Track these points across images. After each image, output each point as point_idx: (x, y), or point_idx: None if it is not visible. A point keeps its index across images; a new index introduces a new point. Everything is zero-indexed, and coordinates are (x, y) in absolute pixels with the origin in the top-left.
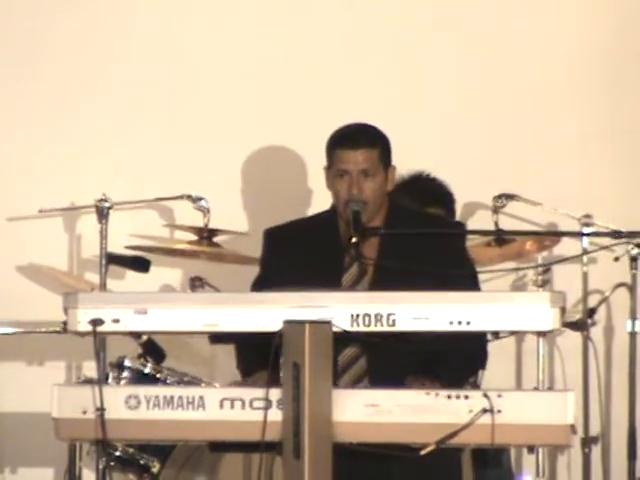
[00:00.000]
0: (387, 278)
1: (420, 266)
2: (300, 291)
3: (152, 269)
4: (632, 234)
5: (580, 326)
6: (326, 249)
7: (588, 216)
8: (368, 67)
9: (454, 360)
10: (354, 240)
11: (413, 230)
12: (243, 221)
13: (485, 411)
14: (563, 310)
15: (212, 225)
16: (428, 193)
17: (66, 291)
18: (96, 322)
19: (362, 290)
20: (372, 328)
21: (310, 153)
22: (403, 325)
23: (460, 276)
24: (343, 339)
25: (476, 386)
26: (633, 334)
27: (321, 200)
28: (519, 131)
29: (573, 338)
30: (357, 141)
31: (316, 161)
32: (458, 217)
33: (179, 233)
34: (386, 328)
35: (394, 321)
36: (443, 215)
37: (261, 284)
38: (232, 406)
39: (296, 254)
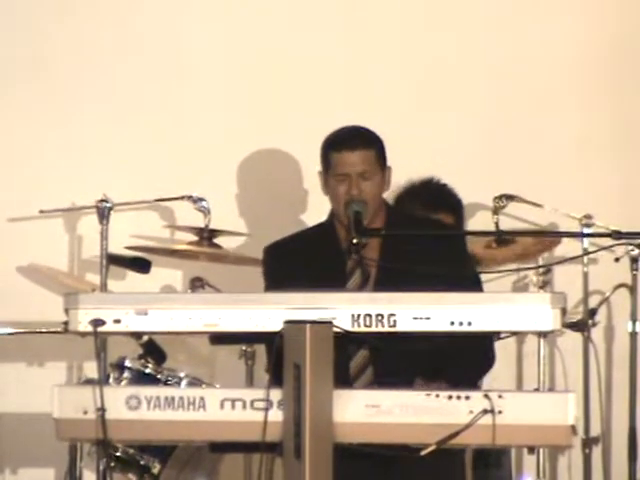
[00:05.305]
0: (390, 281)
1: (423, 267)
2: (301, 291)
3: (153, 270)
4: (632, 235)
5: (581, 327)
6: (327, 258)
7: (588, 217)
8: (365, 69)
9: (463, 362)
10: (355, 241)
11: (415, 231)
12: (243, 222)
13: (486, 412)
14: (564, 311)
15: (212, 226)
16: (440, 199)
17: (67, 292)
18: (97, 322)
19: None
20: (373, 329)
21: (308, 155)
22: (404, 326)
23: (463, 278)
24: (352, 345)
25: (477, 387)
26: (634, 335)
27: (318, 201)
28: (520, 132)
29: (574, 339)
30: (353, 143)
31: (314, 162)
32: None
33: (180, 234)
34: (387, 329)
35: (395, 322)
36: (453, 222)
37: None
38: (233, 407)
39: (298, 267)
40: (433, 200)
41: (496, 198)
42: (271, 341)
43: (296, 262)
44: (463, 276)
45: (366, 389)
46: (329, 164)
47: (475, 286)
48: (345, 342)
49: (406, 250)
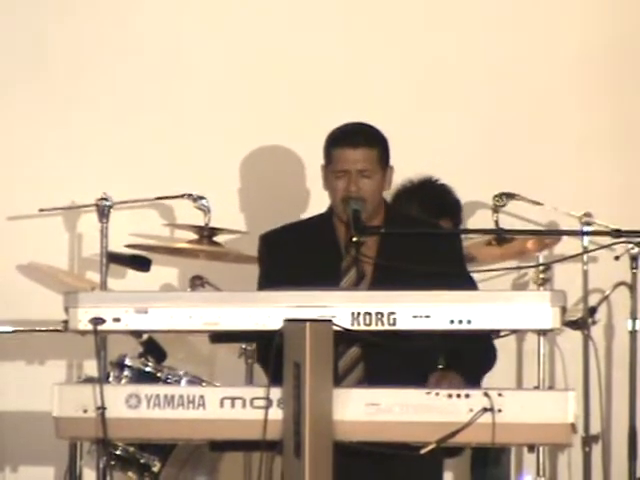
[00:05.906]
0: (386, 280)
1: (419, 267)
2: (301, 290)
3: (153, 268)
4: (632, 233)
5: (580, 325)
6: (323, 250)
7: (588, 215)
8: (367, 67)
9: (469, 360)
10: (354, 239)
11: (413, 230)
12: (243, 220)
13: (486, 410)
14: (563, 309)
15: (212, 224)
16: (438, 203)
17: (67, 290)
18: (97, 321)
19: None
20: (373, 327)
21: (309, 152)
22: (404, 324)
23: (458, 277)
24: (342, 343)
25: (478, 385)
26: (633, 333)
27: (319, 199)
28: (520, 130)
29: (573, 337)
30: (356, 140)
31: (315, 160)
32: None
33: (179, 232)
34: (387, 327)
35: (395, 320)
36: (451, 226)
37: (263, 287)
38: (232, 405)
39: (293, 258)
40: (430, 202)
41: (496, 196)
42: (263, 335)
43: (291, 252)
44: (458, 275)
45: (355, 387)
46: (330, 159)
47: (470, 286)
48: (336, 341)
49: (403, 249)
